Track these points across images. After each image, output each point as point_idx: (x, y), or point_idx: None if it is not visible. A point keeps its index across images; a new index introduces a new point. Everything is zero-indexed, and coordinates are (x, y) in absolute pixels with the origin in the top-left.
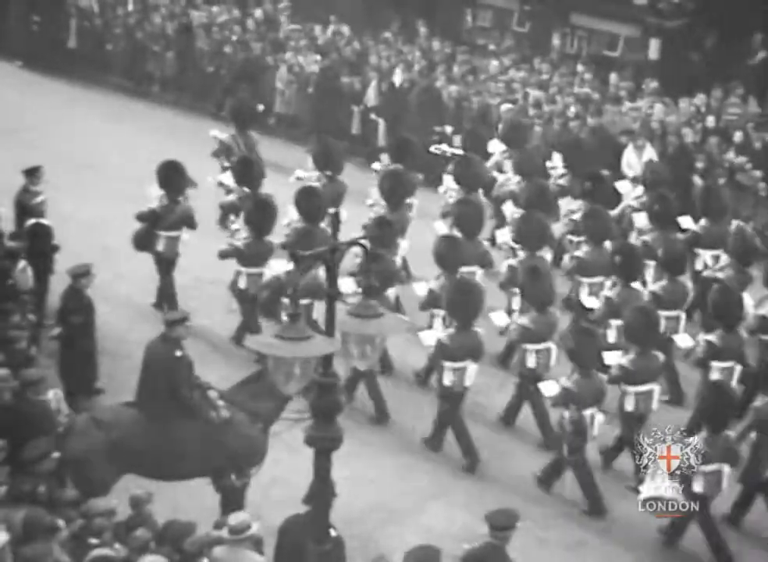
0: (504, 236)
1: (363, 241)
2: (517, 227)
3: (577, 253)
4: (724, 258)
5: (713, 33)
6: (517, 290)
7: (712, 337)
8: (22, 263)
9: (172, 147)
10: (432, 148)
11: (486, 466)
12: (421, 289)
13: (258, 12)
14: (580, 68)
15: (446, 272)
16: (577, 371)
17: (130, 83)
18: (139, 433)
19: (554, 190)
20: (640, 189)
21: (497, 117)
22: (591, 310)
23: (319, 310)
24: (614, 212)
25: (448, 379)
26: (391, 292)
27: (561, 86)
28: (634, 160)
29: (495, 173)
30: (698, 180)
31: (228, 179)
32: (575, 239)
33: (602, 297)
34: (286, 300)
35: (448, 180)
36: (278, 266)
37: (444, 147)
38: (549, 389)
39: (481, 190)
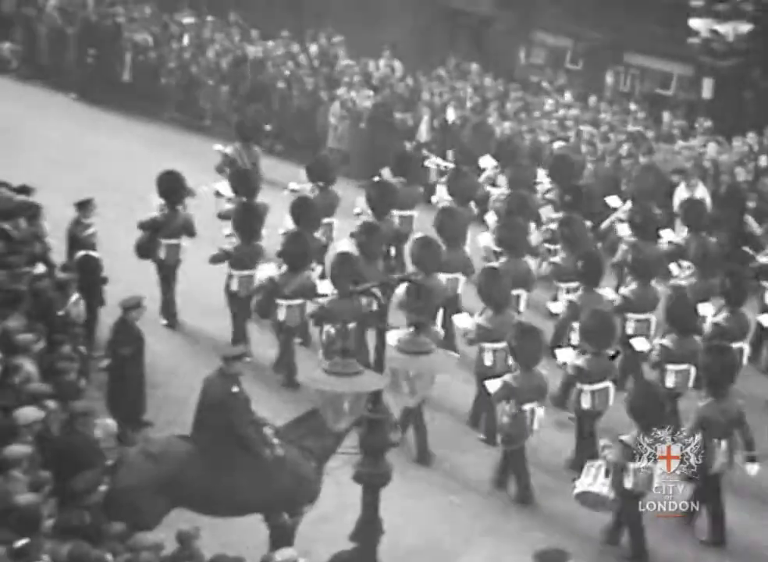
0: (486, 239)
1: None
2: (499, 233)
3: (554, 259)
4: (687, 265)
5: (766, 72)
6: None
7: (666, 341)
8: (75, 296)
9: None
10: (427, 162)
11: (534, 503)
12: (463, 321)
13: (313, 48)
14: (633, 106)
15: (424, 274)
16: (518, 367)
17: (184, 116)
18: (192, 468)
19: (538, 202)
20: (629, 203)
21: (549, 154)
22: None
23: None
24: (604, 224)
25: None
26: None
27: (614, 124)
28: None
29: (488, 187)
30: (750, 219)
31: (225, 188)
32: (552, 247)
33: (566, 300)
34: (280, 301)
35: (441, 191)
36: (267, 269)
37: (438, 160)
38: (492, 386)
39: (473, 203)
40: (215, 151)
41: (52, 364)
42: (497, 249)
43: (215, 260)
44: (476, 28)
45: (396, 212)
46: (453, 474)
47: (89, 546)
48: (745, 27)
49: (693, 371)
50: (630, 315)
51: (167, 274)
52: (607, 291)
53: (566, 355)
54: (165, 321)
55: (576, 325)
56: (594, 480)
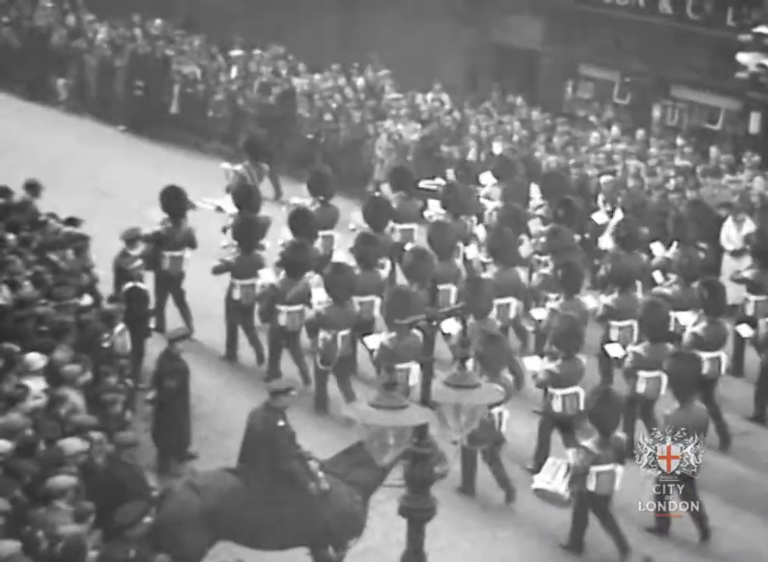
0: (473, 251)
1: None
2: (489, 243)
3: (543, 270)
4: (673, 276)
5: None
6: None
7: (638, 349)
8: (120, 326)
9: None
10: (422, 184)
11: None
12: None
13: (360, 81)
14: (680, 140)
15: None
16: (485, 373)
17: (230, 149)
18: (237, 501)
19: (529, 215)
20: (618, 216)
21: (596, 188)
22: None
23: None
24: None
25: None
26: None
27: (661, 158)
28: (733, 233)
29: (484, 201)
30: None
31: (227, 204)
32: (542, 258)
33: (548, 308)
34: (281, 307)
35: (434, 205)
36: (267, 275)
37: (432, 182)
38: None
39: (475, 218)
40: (221, 169)
41: (98, 395)
42: (487, 260)
43: (217, 271)
44: (524, 62)
45: (396, 226)
46: (496, 506)
47: None
48: None
49: (665, 378)
50: (613, 323)
51: (166, 284)
52: (589, 299)
53: (533, 363)
54: (153, 326)
55: None
56: (552, 478)
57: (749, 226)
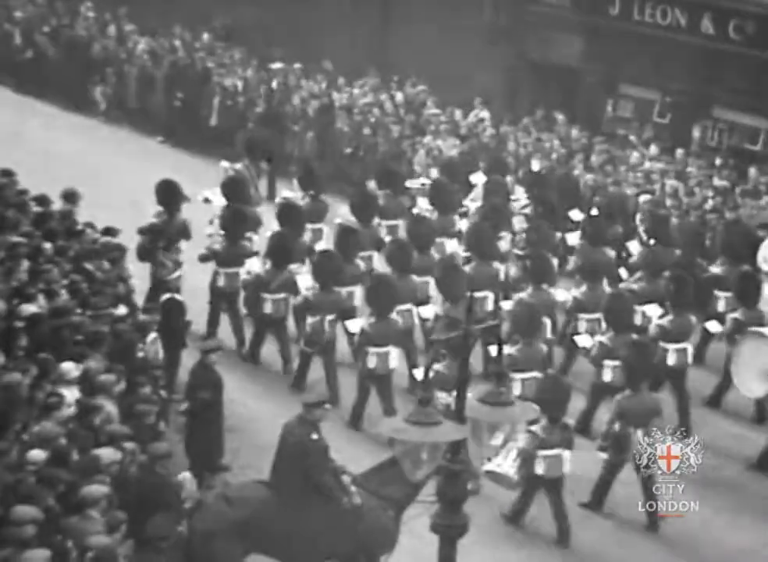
0: (452, 245)
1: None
2: (467, 237)
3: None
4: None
5: None
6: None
7: (604, 339)
8: (152, 335)
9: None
10: (408, 182)
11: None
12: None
13: (399, 96)
14: (719, 161)
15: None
16: (446, 357)
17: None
18: (270, 513)
19: (512, 212)
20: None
21: (634, 207)
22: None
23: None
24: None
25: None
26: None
27: (700, 178)
28: None
29: (469, 203)
30: None
31: (215, 196)
32: (521, 253)
33: (517, 298)
34: (265, 295)
35: (422, 202)
36: (254, 265)
37: (418, 181)
38: (418, 374)
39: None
40: (220, 167)
41: (132, 406)
42: (466, 254)
43: (203, 259)
44: (564, 80)
45: (383, 222)
46: (530, 526)
47: None
48: None
49: None
50: (581, 315)
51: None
52: (560, 292)
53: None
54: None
55: None
56: (503, 460)
57: None
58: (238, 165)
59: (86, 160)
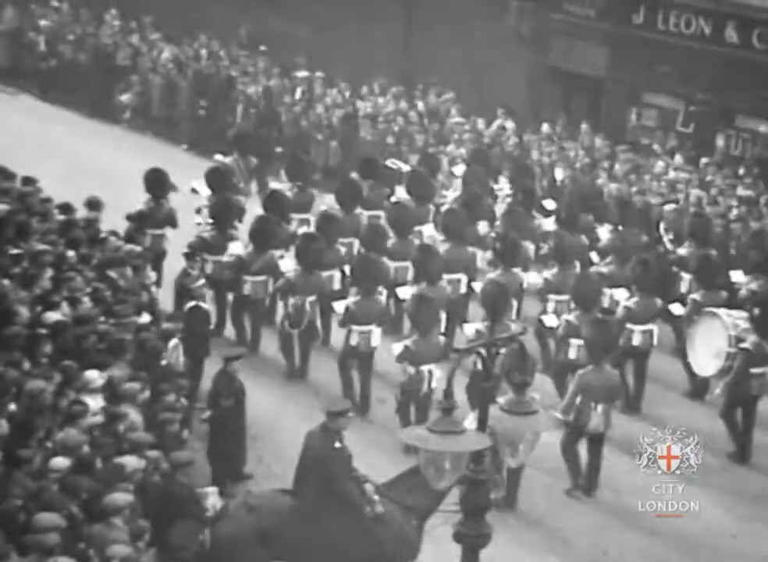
0: (429, 229)
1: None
2: (443, 221)
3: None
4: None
5: None
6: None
7: (570, 317)
8: (173, 341)
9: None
10: (388, 162)
11: None
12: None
13: (421, 105)
14: (742, 170)
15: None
16: (416, 332)
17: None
18: (292, 521)
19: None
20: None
21: (659, 216)
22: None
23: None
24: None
25: None
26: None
27: (723, 187)
28: None
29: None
30: None
31: (200, 186)
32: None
33: (487, 278)
34: (246, 277)
35: (400, 191)
36: (235, 248)
37: (398, 162)
38: (395, 349)
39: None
40: (214, 161)
41: (155, 414)
42: (442, 237)
43: (193, 247)
44: (588, 89)
45: (364, 212)
46: (553, 535)
47: None
48: None
49: None
50: (551, 296)
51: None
52: (532, 275)
53: (469, 328)
54: None
55: None
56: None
57: None
58: (228, 159)
59: (109, 168)
